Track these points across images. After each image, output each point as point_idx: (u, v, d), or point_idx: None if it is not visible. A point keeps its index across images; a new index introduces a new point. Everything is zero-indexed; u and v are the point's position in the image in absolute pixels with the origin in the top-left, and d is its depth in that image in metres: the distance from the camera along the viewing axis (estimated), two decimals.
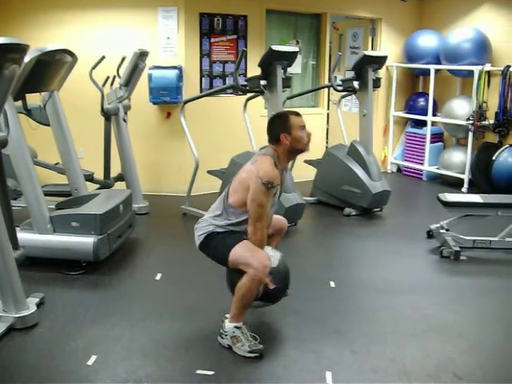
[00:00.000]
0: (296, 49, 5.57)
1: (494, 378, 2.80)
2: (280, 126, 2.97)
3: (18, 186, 4.32)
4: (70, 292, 3.74)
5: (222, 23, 6.26)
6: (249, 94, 5.38)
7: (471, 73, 6.68)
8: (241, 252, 2.88)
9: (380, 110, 7.79)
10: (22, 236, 3.76)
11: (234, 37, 6.37)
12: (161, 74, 5.94)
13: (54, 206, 4.28)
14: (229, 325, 2.96)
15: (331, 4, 7.10)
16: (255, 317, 3.29)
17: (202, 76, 6.26)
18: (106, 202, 4.31)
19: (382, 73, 7.10)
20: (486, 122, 6.66)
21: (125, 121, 5.51)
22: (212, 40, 6.23)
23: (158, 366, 2.82)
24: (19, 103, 4.18)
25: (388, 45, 7.60)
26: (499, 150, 6.46)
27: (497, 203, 4.56)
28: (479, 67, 6.59)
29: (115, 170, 5.55)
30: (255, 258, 2.83)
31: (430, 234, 4.88)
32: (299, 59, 6.95)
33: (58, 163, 4.96)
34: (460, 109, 6.88)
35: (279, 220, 3.32)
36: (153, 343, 3.05)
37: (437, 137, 7.54)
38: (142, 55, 5.35)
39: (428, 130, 7.29)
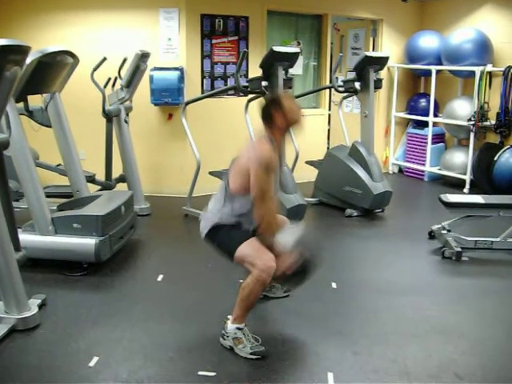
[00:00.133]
0: (297, 50, 5.57)
1: (496, 379, 2.80)
2: (271, 104, 3.01)
3: (19, 188, 4.34)
4: (72, 293, 3.75)
5: (223, 24, 6.26)
6: (250, 95, 5.38)
7: (472, 73, 6.68)
8: (248, 251, 2.89)
9: (381, 111, 7.79)
10: (24, 237, 3.78)
11: (236, 38, 6.38)
12: (162, 76, 5.94)
13: (55, 208, 4.28)
14: (231, 326, 2.96)
15: (332, 5, 7.10)
16: (257, 318, 3.29)
17: (203, 77, 6.27)
18: (108, 204, 4.31)
19: (383, 74, 7.11)
20: (488, 123, 6.65)
21: (126, 122, 5.51)
22: (213, 41, 6.23)
23: (159, 367, 2.83)
24: (21, 105, 4.19)
25: (389, 45, 7.60)
26: (501, 151, 6.45)
27: (498, 204, 4.56)
28: (480, 68, 6.59)
29: (117, 171, 5.56)
30: (261, 258, 2.84)
31: (432, 235, 4.87)
32: (300, 60, 6.94)
33: (59, 164, 4.97)
34: (461, 109, 6.88)
35: (281, 220, 3.32)
36: (154, 344, 3.05)
37: (438, 137, 7.54)
38: (144, 56, 5.35)
39: (429, 131, 7.29)
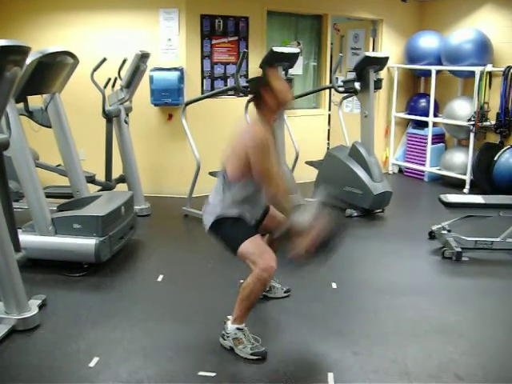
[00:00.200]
0: (297, 50, 5.58)
1: (496, 379, 2.80)
2: (259, 82, 3.00)
3: (19, 188, 4.34)
4: (72, 294, 3.75)
5: (223, 25, 6.26)
6: (250, 96, 5.38)
7: (472, 73, 6.68)
8: (251, 249, 2.89)
9: (381, 111, 7.79)
10: (24, 238, 3.77)
11: (235, 38, 6.37)
12: (162, 76, 5.94)
13: (55, 208, 4.28)
14: (231, 326, 2.96)
15: (332, 5, 7.10)
16: (257, 318, 3.29)
17: (203, 77, 6.27)
18: (108, 204, 4.31)
19: (383, 74, 7.10)
20: (488, 123, 6.65)
21: (126, 122, 5.51)
22: (213, 41, 6.23)
23: (159, 368, 2.83)
24: (21, 105, 4.19)
25: (389, 46, 7.60)
26: (501, 151, 6.46)
27: (498, 204, 4.56)
28: (480, 68, 6.59)
29: (117, 171, 5.56)
30: (263, 258, 2.85)
31: (432, 235, 4.87)
32: (300, 60, 6.94)
33: (59, 165, 4.97)
34: (461, 110, 6.88)
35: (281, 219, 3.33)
36: (154, 344, 3.05)
37: (438, 138, 7.54)
38: (144, 57, 5.35)
39: (429, 131, 7.29)
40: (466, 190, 6.78)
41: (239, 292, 2.91)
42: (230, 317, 3.01)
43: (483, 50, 6.72)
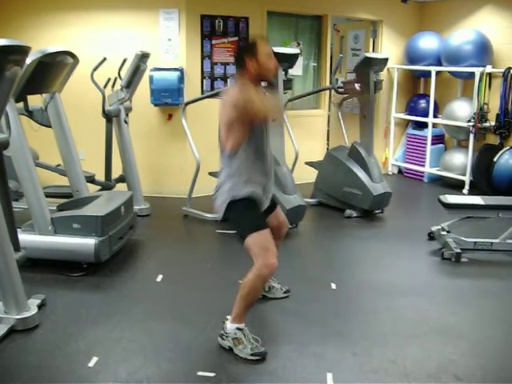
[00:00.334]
0: (297, 51, 5.58)
1: (495, 379, 2.80)
2: (246, 50, 2.94)
3: (19, 188, 4.33)
4: (72, 293, 3.75)
5: (223, 25, 6.27)
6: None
7: (472, 74, 6.68)
8: (256, 243, 2.89)
9: (381, 112, 7.79)
10: (24, 237, 3.77)
11: (236, 38, 6.38)
12: (162, 76, 5.94)
13: (55, 208, 4.28)
14: (230, 326, 2.96)
15: (332, 6, 7.10)
16: (256, 319, 3.29)
17: (203, 78, 6.27)
18: (108, 204, 4.31)
19: (383, 75, 7.10)
20: (487, 124, 6.66)
21: (126, 122, 5.51)
22: (213, 42, 6.23)
23: (158, 368, 2.83)
24: (21, 105, 4.19)
25: (389, 47, 7.60)
26: (500, 152, 6.45)
27: (498, 205, 4.56)
28: (480, 69, 6.59)
29: (116, 171, 5.55)
30: (266, 254, 2.86)
31: (431, 236, 4.88)
32: (300, 61, 6.94)
33: (59, 165, 4.97)
34: (461, 110, 6.88)
35: (283, 221, 3.34)
36: (154, 344, 3.05)
37: (438, 138, 7.54)
38: (144, 57, 5.35)
39: (429, 132, 7.29)
40: (465, 191, 6.78)
41: (239, 290, 2.91)
42: (228, 316, 3.01)
43: (483, 51, 6.72)
